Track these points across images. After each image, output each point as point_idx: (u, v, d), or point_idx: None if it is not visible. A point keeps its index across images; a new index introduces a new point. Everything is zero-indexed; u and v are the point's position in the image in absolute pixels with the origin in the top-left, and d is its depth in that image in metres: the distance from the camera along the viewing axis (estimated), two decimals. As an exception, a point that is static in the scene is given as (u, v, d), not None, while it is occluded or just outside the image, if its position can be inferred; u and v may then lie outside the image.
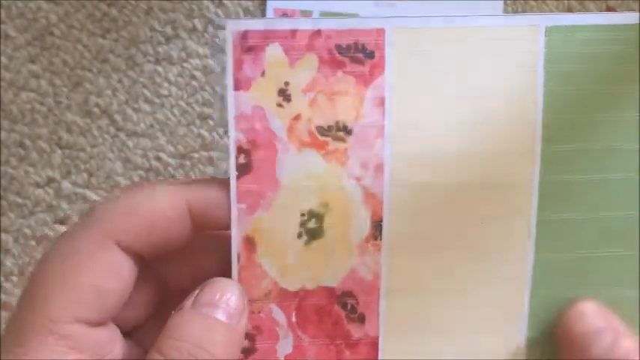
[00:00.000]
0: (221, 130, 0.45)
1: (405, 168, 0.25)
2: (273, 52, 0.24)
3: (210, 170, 0.44)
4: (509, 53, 0.24)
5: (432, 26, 0.24)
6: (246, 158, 0.24)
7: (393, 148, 0.25)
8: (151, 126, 0.44)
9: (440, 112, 0.25)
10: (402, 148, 0.25)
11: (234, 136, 0.24)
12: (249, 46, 0.24)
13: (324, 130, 0.24)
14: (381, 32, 0.24)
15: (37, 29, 0.44)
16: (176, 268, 0.26)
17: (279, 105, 0.24)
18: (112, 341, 0.24)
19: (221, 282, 0.24)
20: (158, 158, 0.45)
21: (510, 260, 0.25)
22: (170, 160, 0.44)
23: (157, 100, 0.44)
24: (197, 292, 0.24)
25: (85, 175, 0.44)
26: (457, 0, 0.44)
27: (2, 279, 0.45)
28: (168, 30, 0.44)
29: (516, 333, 0.26)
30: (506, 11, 0.44)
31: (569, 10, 0.44)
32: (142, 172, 0.44)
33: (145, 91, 0.44)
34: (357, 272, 0.25)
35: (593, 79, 0.25)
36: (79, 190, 0.44)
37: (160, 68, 0.44)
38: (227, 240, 0.25)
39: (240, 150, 0.24)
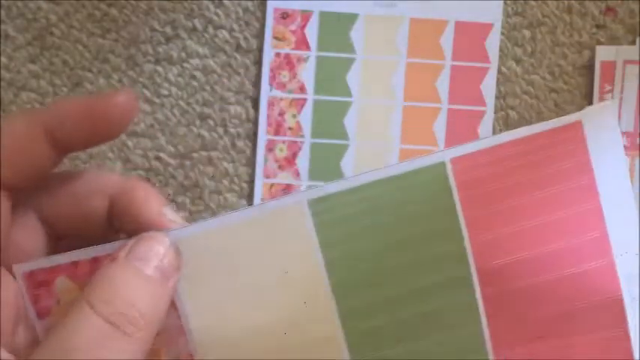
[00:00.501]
0: (221, 130, 0.45)
1: (215, 353, 0.27)
2: (62, 283, 0.26)
3: (210, 170, 0.44)
4: (281, 234, 0.26)
5: (200, 231, 0.26)
6: None
7: (198, 342, 0.26)
8: (151, 126, 0.44)
9: (232, 300, 0.26)
10: (206, 338, 0.26)
11: None
12: (39, 281, 0.26)
13: None
14: None
15: (37, 29, 0.44)
16: (59, 209, 0.26)
17: None
18: (6, 287, 0.25)
19: (157, 237, 0.24)
20: (158, 158, 0.45)
21: None
22: (170, 160, 0.44)
23: (156, 100, 0.44)
24: (131, 243, 0.24)
25: None
26: (457, 0, 0.44)
27: (2, 279, 0.45)
28: (168, 30, 0.44)
29: None
30: (506, 11, 0.44)
31: (569, 10, 0.44)
32: (141, 172, 0.44)
33: (145, 91, 0.44)
34: None
35: (401, 225, 0.26)
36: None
37: (159, 68, 0.44)
38: (107, 183, 0.26)
39: None
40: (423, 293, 0.27)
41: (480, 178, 0.27)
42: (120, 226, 0.26)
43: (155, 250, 0.24)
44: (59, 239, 0.27)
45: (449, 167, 0.26)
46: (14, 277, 0.26)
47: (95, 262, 0.26)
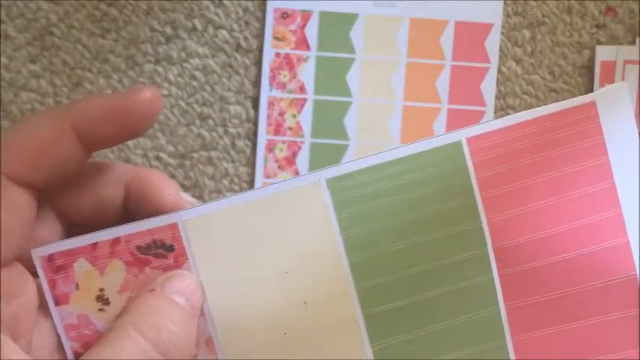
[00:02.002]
0: (221, 130, 0.45)
1: (234, 336, 0.27)
2: (81, 266, 0.26)
3: (210, 170, 0.44)
4: (300, 212, 0.26)
5: (218, 209, 0.26)
6: None
7: (216, 321, 0.27)
8: (151, 126, 0.44)
9: (251, 278, 0.27)
10: (225, 318, 0.27)
11: (68, 345, 0.26)
12: (58, 266, 0.26)
13: None
14: (174, 226, 0.26)
15: (37, 29, 0.44)
16: (75, 200, 0.26)
17: (101, 309, 0.26)
18: (24, 281, 0.25)
19: (187, 275, 0.26)
20: (158, 158, 0.45)
21: None
22: (170, 160, 0.44)
23: (156, 100, 0.44)
24: (165, 277, 0.25)
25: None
26: (457, 0, 0.44)
27: (2, 279, 0.45)
28: (168, 30, 0.44)
29: None
30: (506, 11, 0.44)
31: (569, 10, 0.44)
32: (142, 172, 0.44)
33: (145, 91, 0.44)
34: None
35: (418, 204, 0.27)
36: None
37: (160, 68, 0.44)
38: (121, 171, 0.26)
39: (77, 354, 0.26)
40: (440, 273, 0.27)
41: (496, 158, 0.27)
42: (136, 211, 0.27)
43: (186, 286, 0.26)
44: (73, 227, 0.27)
45: (465, 146, 0.27)
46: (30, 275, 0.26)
47: (115, 244, 0.26)
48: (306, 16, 0.44)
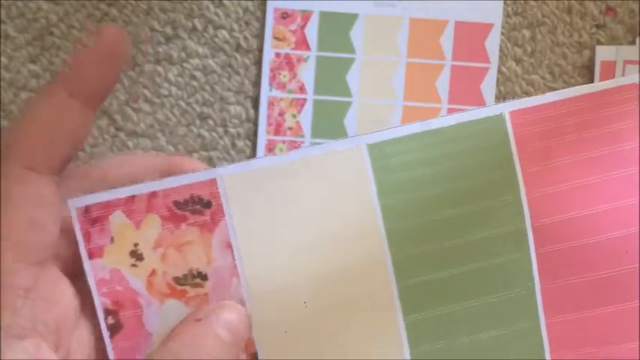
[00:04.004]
0: (221, 130, 0.45)
1: (265, 298, 0.26)
2: (117, 219, 0.26)
3: (210, 170, 0.44)
4: (340, 176, 0.26)
5: (257, 167, 0.26)
6: (115, 318, 0.26)
7: (250, 283, 0.26)
8: (151, 126, 0.44)
9: (286, 242, 0.26)
10: (258, 280, 0.26)
11: (98, 300, 0.26)
12: (94, 218, 0.26)
13: (180, 280, 0.26)
14: (213, 182, 0.26)
15: (37, 29, 0.44)
16: None
17: (134, 265, 0.26)
18: (62, 284, 0.24)
19: (236, 309, 0.26)
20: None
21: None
22: (170, 160, 0.44)
23: (156, 100, 0.44)
24: (214, 308, 0.25)
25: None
26: (457, 0, 0.44)
27: (2, 279, 0.45)
28: (168, 30, 0.44)
29: None
30: (506, 11, 0.44)
31: (569, 10, 0.44)
32: (142, 172, 0.44)
33: (145, 91, 0.44)
34: None
35: (458, 175, 0.26)
36: (79, 190, 0.45)
37: (159, 68, 0.44)
38: (154, 160, 0.27)
39: (107, 312, 0.26)
40: (477, 246, 0.27)
41: (538, 133, 0.26)
42: None
43: (233, 319, 0.26)
44: None
45: (507, 119, 0.26)
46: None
47: (153, 198, 0.26)
48: (306, 16, 0.44)
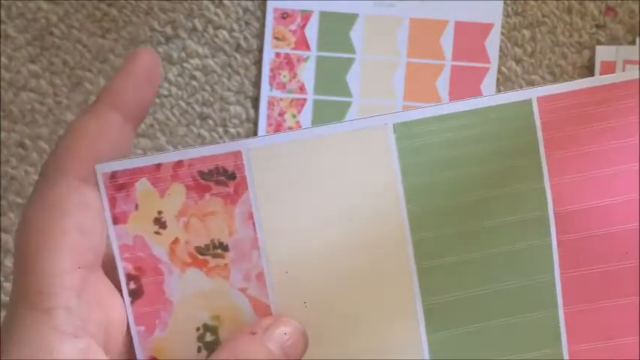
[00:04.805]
0: (221, 130, 0.45)
1: (285, 271, 0.26)
2: (143, 186, 0.26)
3: (210, 170, 0.44)
4: (363, 154, 0.26)
5: (282, 141, 0.26)
6: (136, 284, 0.26)
7: (270, 256, 0.26)
8: (151, 126, 0.44)
9: (308, 217, 0.26)
10: (278, 253, 0.26)
11: (121, 266, 0.26)
12: (120, 184, 0.26)
13: (202, 250, 0.26)
14: (238, 154, 0.26)
15: (37, 29, 0.44)
16: None
17: (157, 232, 0.26)
18: (107, 286, 0.25)
19: (293, 325, 0.26)
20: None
21: (403, 345, 0.27)
22: (170, 160, 0.44)
23: (156, 100, 0.44)
24: (270, 322, 0.26)
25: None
26: (457, 0, 0.44)
27: (2, 279, 0.45)
28: (168, 30, 0.44)
29: None
30: (506, 11, 0.44)
31: (569, 10, 0.44)
32: (141, 172, 0.44)
33: (145, 91, 0.44)
34: None
35: (483, 159, 0.26)
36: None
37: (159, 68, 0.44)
38: None
39: (129, 277, 0.26)
40: (498, 231, 0.27)
41: (564, 120, 0.26)
42: None
43: (289, 336, 0.26)
44: None
45: (535, 105, 0.26)
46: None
47: (178, 167, 0.26)
48: (306, 16, 0.44)
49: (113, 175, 0.26)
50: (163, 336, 0.26)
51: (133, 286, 0.26)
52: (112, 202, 0.26)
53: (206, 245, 0.26)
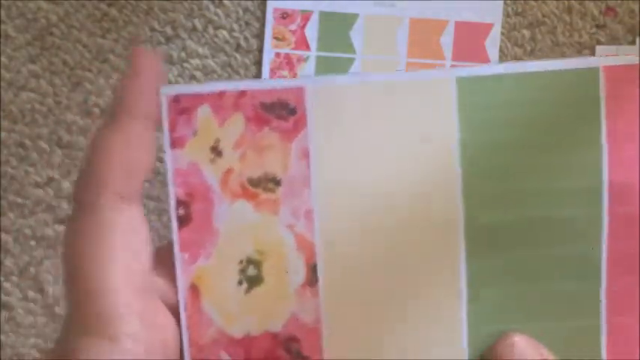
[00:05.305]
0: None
1: (334, 214, 0.26)
2: (204, 112, 0.26)
3: (210, 170, 0.45)
4: (424, 104, 0.26)
5: (347, 83, 0.26)
6: (185, 210, 0.26)
7: (320, 196, 0.26)
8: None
9: (363, 161, 0.26)
10: (329, 195, 0.26)
11: (172, 190, 0.26)
12: (182, 108, 0.26)
13: (254, 182, 0.26)
14: (301, 90, 0.26)
15: (37, 29, 0.44)
16: None
17: (212, 161, 0.26)
18: (160, 308, 0.25)
19: None
20: (159, 158, 0.45)
21: (445, 297, 0.27)
22: (170, 160, 0.44)
23: (156, 100, 0.44)
24: None
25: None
26: (457, 0, 0.44)
27: (2, 279, 0.45)
28: (169, 30, 0.44)
29: None
30: (506, 11, 0.44)
31: (569, 10, 0.44)
32: (141, 172, 0.44)
33: (145, 91, 0.44)
34: (298, 317, 0.26)
35: (543, 123, 0.26)
36: (79, 190, 0.45)
37: (159, 68, 0.44)
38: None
39: (179, 203, 0.26)
40: (550, 196, 0.26)
41: (627, 93, 0.26)
42: None
43: None
44: None
45: (601, 74, 0.26)
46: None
47: (241, 97, 0.26)
48: (306, 16, 0.44)
49: (176, 99, 0.26)
50: (206, 265, 0.26)
51: (181, 212, 0.26)
52: (172, 125, 0.26)
53: (259, 178, 0.26)
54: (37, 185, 0.45)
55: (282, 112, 0.26)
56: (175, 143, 0.26)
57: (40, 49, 0.44)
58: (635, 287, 0.27)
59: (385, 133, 0.26)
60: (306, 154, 0.26)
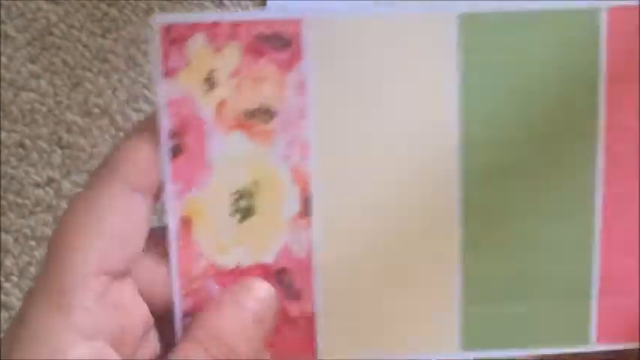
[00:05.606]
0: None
1: (330, 145, 0.26)
2: (198, 42, 0.25)
3: (210, 170, 0.45)
4: (423, 39, 0.26)
5: (345, 16, 0.26)
6: (177, 141, 0.26)
7: (317, 128, 0.26)
8: (151, 126, 0.44)
9: (359, 93, 0.26)
10: (326, 126, 0.26)
11: (165, 121, 0.26)
12: (175, 37, 0.25)
13: (249, 113, 0.26)
14: (298, 22, 0.26)
15: (37, 29, 0.44)
16: None
17: (206, 91, 0.26)
18: (131, 295, 0.25)
19: (259, 286, 0.26)
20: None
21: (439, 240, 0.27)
22: (170, 160, 0.44)
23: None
24: (235, 289, 0.25)
25: (85, 175, 0.44)
26: (457, 0, 0.44)
27: (2, 279, 0.45)
28: (168, 30, 0.44)
29: (448, 330, 0.27)
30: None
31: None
32: (142, 172, 0.44)
33: (145, 91, 0.44)
34: (290, 249, 0.26)
35: (543, 64, 0.26)
36: (79, 190, 0.44)
37: (160, 68, 0.44)
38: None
39: (170, 134, 0.26)
40: (547, 136, 0.26)
41: (631, 36, 0.26)
42: None
43: (257, 299, 0.25)
44: None
45: (603, 16, 0.26)
46: None
47: (236, 27, 0.25)
48: (306, 16, 0.44)
49: (169, 28, 0.25)
50: (198, 196, 0.26)
51: (174, 143, 0.26)
52: (165, 54, 0.25)
53: (254, 109, 0.26)
54: (37, 185, 0.45)
55: (279, 44, 0.26)
56: (168, 73, 0.25)
57: (40, 49, 0.44)
58: (631, 232, 0.27)
59: (383, 70, 0.26)
60: (302, 86, 0.26)
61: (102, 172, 0.25)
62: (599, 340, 0.27)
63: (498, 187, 0.27)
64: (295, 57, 0.26)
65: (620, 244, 0.27)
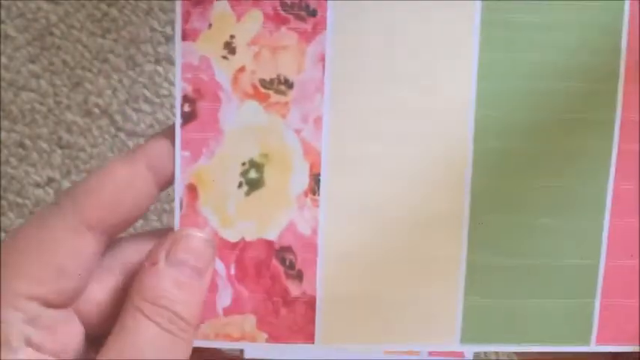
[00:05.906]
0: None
1: (344, 122, 0.26)
2: (220, 6, 0.25)
3: (210, 170, 0.44)
4: (446, 19, 0.26)
5: None
6: (191, 107, 0.25)
7: (332, 103, 0.26)
8: (151, 126, 0.44)
9: (379, 69, 0.26)
10: (341, 102, 0.26)
11: (180, 85, 0.25)
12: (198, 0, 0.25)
13: (266, 83, 0.25)
14: None
15: (37, 29, 0.44)
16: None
17: (225, 57, 0.25)
18: (69, 325, 0.24)
19: (192, 237, 0.25)
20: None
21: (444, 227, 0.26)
22: (170, 160, 0.44)
23: (157, 100, 0.44)
24: (168, 244, 0.25)
25: (84, 175, 0.44)
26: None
27: (2, 279, 0.45)
28: (169, 30, 0.44)
29: (450, 329, 0.27)
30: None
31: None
32: (142, 172, 0.44)
33: (145, 91, 0.44)
34: (296, 226, 0.26)
35: (563, 50, 0.26)
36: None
37: (159, 68, 0.44)
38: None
39: (185, 98, 0.25)
40: (562, 125, 0.26)
41: None
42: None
43: (192, 249, 0.25)
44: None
45: (627, 4, 0.26)
46: None
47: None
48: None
49: None
50: (207, 165, 0.25)
51: (187, 108, 0.25)
52: (186, 16, 0.25)
53: (271, 79, 0.25)
54: (37, 185, 0.45)
55: (302, 13, 0.25)
56: (187, 35, 0.25)
57: (40, 49, 0.44)
58: (634, 271, 0.27)
59: (401, 44, 0.26)
60: (322, 58, 0.25)
61: (64, 203, 0.24)
62: (599, 341, 0.27)
63: (508, 175, 0.26)
64: (318, 28, 0.25)
65: (624, 245, 0.27)
